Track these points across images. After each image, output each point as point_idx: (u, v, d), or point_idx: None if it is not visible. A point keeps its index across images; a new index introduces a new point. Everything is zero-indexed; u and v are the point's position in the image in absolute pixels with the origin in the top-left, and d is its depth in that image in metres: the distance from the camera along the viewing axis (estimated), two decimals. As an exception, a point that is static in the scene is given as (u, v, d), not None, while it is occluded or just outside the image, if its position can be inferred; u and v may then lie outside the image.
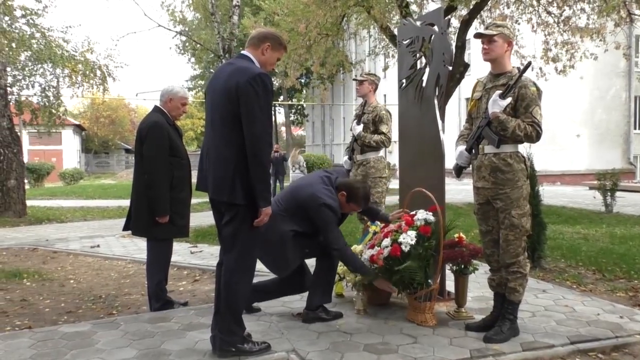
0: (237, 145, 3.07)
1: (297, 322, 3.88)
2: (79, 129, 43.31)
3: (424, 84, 4.35)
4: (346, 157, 5.52)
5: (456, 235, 3.93)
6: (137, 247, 7.38)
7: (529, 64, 3.37)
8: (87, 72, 11.78)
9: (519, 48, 15.91)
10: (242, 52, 3.32)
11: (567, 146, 24.08)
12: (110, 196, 19.19)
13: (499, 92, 3.35)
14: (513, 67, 3.49)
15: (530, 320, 3.88)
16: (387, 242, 3.74)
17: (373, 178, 5.19)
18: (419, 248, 3.63)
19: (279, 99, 42.66)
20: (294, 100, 43.40)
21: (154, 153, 4.09)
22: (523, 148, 3.62)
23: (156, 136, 4.10)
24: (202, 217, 11.45)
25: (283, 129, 49.45)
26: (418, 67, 4.45)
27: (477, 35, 3.47)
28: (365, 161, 5.24)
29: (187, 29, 32.46)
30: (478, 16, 14.75)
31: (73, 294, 5.20)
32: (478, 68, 28.63)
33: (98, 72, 11.93)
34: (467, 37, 13.74)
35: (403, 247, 3.63)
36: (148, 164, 4.16)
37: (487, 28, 3.49)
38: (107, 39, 44.05)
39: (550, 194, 17.40)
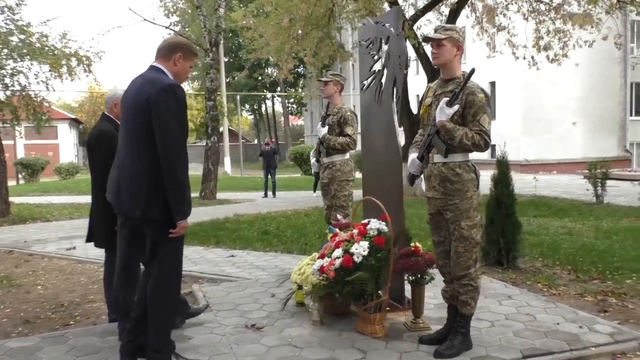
0: (151, 159, 3.02)
1: (250, 335, 3.80)
2: (75, 122, 43.20)
3: (382, 87, 4.24)
4: (314, 160, 5.42)
5: (412, 244, 3.83)
6: (112, 249, 7.30)
7: (473, 70, 3.24)
8: (70, 65, 11.64)
9: (510, 37, 15.73)
10: (153, 63, 3.24)
11: (562, 134, 23.96)
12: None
13: (445, 99, 3.24)
14: (463, 72, 3.37)
15: (488, 331, 3.79)
16: (338, 252, 3.65)
17: (339, 181, 5.08)
18: (371, 259, 3.54)
19: (277, 90, 42.52)
20: (291, 90, 43.17)
21: (102, 162, 3.98)
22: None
23: (103, 146, 4.00)
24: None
25: (282, 119, 49.29)
26: (376, 69, 4.33)
27: (425, 39, 3.35)
28: (332, 164, 5.12)
29: (180, 19, 32.17)
30: (467, 5, 14.56)
31: (36, 301, 5.13)
32: (472, 58, 28.29)
33: (79, 64, 11.78)
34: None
35: (355, 257, 3.54)
36: (99, 174, 4.07)
37: (435, 31, 3.36)
38: (92, 33, 44.05)
39: (545, 184, 17.33)
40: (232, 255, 6.78)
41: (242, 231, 8.80)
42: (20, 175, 27.54)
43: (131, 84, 3.26)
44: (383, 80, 4.22)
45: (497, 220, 5.89)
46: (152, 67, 3.21)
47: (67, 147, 40.59)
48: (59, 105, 46.39)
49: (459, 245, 3.33)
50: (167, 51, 3.19)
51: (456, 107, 3.21)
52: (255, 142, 51.23)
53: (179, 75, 3.22)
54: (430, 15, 16.23)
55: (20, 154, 33.06)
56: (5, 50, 10.88)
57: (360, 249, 3.53)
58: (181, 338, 3.72)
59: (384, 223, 3.69)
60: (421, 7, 15.03)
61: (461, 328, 3.42)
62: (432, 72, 13.88)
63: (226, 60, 38.14)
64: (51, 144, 38.07)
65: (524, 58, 16.25)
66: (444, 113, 3.21)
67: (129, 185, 3.11)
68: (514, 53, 16.22)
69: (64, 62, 11.58)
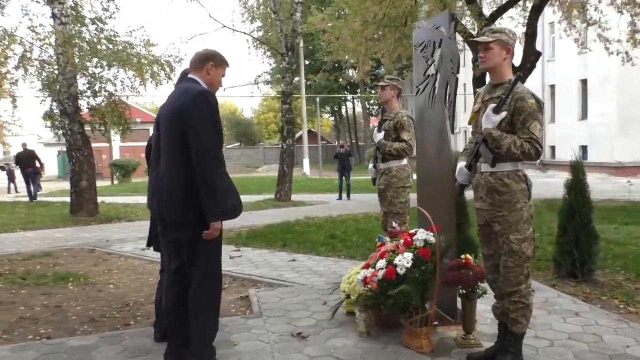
0: (186, 164, 3.11)
1: (294, 344, 3.77)
2: (166, 125, 45.46)
3: (436, 92, 4.08)
4: (371, 165, 5.33)
5: (463, 256, 3.65)
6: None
7: (519, 75, 3.03)
8: (153, 71, 12.25)
9: (602, 31, 14.76)
10: (188, 75, 3.36)
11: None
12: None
13: (492, 105, 3.05)
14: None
15: (545, 351, 3.54)
16: (382, 263, 3.54)
17: (395, 188, 4.96)
18: (416, 271, 3.41)
19: (357, 91, 42.48)
20: (371, 92, 42.95)
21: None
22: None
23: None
24: (260, 217, 11.64)
25: (362, 120, 49.21)
26: (430, 73, 4.18)
27: (472, 43, 3.18)
28: (388, 170, 5.01)
29: (263, 24, 32.95)
30: (552, 1, 13.83)
31: (106, 300, 5.40)
32: (561, 55, 26.82)
33: (162, 71, 12.37)
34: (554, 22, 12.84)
35: (398, 269, 3.42)
36: None
37: (483, 34, 3.18)
38: (176, 40, 46.78)
39: (642, 188, 16.11)
40: (294, 260, 6.82)
41: (310, 234, 8.85)
42: (114, 176, 29.29)
43: (169, 97, 3.41)
44: (436, 84, 4.07)
45: (571, 229, 5.52)
46: (187, 79, 3.32)
47: (158, 149, 42.66)
48: (151, 109, 48.96)
49: (508, 260, 3.13)
50: (199, 62, 3.32)
51: (503, 113, 3.02)
52: (336, 143, 51.56)
53: (212, 84, 3.33)
54: (512, 12, 15.56)
55: (116, 155, 35.20)
56: (95, 59, 11.62)
57: (404, 260, 3.41)
58: (227, 344, 3.77)
59: (431, 234, 3.54)
60: (501, 3, 14.40)
61: (511, 347, 3.21)
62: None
63: (307, 63, 38.59)
64: (143, 145, 40.13)
65: (618, 54, 15.21)
66: (490, 120, 3.03)
67: (166, 190, 3.23)
68: (607, 48, 15.22)
69: (147, 68, 12.19)
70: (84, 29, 11.94)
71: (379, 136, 5.04)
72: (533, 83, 27.16)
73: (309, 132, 41.05)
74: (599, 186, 18.18)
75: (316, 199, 16.49)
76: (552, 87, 27.84)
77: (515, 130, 3.05)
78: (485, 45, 3.12)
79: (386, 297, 3.49)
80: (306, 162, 30.85)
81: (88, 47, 11.38)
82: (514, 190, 3.09)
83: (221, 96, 57.43)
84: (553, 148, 27.45)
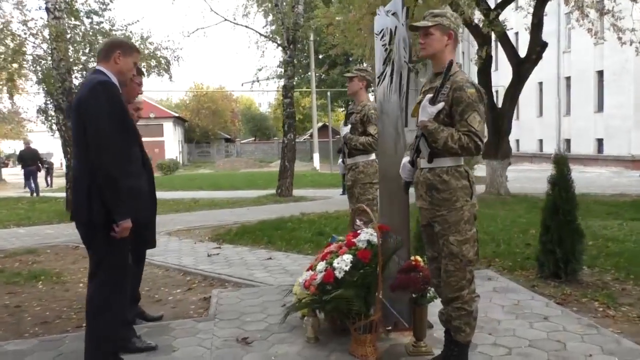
0: (89, 160, 2.92)
1: (236, 350, 3.57)
2: (180, 120, 45.63)
3: (392, 83, 3.83)
4: (340, 161, 5.11)
5: (412, 258, 3.41)
6: (163, 249, 7.39)
7: (451, 61, 2.77)
8: (149, 64, 12.14)
9: (615, 20, 14.25)
10: (96, 67, 3.18)
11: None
12: (194, 187, 19.96)
13: (429, 96, 2.80)
14: (457, 63, 2.90)
15: (500, 359, 3.28)
16: (322, 265, 3.32)
17: (362, 184, 4.73)
18: (355, 274, 3.18)
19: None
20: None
21: None
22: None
23: None
24: (257, 212, 11.50)
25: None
26: (386, 62, 3.92)
27: (412, 28, 2.93)
28: (355, 165, 4.78)
29: (274, 18, 32.73)
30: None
31: (69, 300, 5.26)
32: (577, 46, 26.18)
33: (158, 65, 12.26)
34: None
35: (337, 272, 3.20)
36: None
37: (423, 18, 2.92)
38: (178, 35, 46.87)
39: (656, 182, 15.60)
40: (270, 258, 6.61)
41: (300, 231, 8.63)
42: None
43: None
44: (393, 75, 3.81)
45: (554, 227, 5.23)
46: (94, 71, 3.16)
47: (171, 144, 42.98)
48: (166, 104, 49.25)
49: (448, 263, 2.89)
50: (105, 52, 3.14)
51: (440, 104, 2.77)
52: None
53: (122, 73, 3.15)
54: (521, 1, 15.12)
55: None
56: (90, 53, 11.53)
57: (343, 263, 3.19)
58: (167, 349, 3.60)
59: (375, 234, 3.30)
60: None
61: (455, 358, 2.97)
62: (517, 65, 12.89)
63: (321, 57, 38.20)
64: (158, 141, 40.51)
65: (631, 44, 14.68)
66: (425, 112, 2.79)
67: (74, 189, 3.10)
68: (619, 38, 14.69)
69: (144, 63, 12.07)
70: (78, 22, 11.85)
71: (345, 130, 4.81)
72: (548, 75, 26.64)
73: (325, 126, 40.79)
74: (613, 180, 17.66)
75: (320, 194, 16.26)
76: (568, 79, 27.19)
77: (454, 122, 2.80)
78: (425, 31, 2.87)
79: (326, 302, 3.27)
80: (316, 156, 30.63)
81: (82, 42, 11.27)
82: (453, 188, 2.84)
83: (236, 91, 57.31)
84: (568, 141, 26.82)
